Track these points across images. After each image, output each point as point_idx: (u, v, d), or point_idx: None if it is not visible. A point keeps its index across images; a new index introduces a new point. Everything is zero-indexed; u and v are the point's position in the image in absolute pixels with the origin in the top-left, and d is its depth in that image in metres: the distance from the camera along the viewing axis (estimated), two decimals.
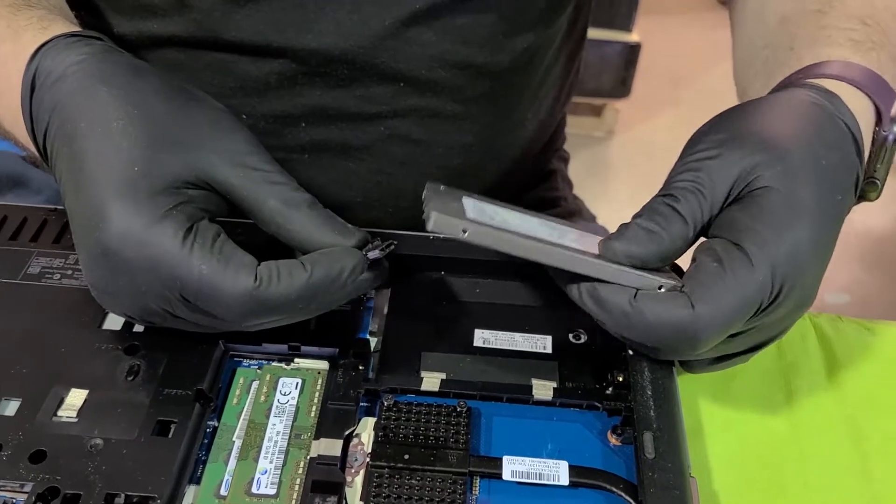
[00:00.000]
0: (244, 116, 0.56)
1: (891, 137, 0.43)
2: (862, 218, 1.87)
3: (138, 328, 0.44)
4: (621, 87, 1.92)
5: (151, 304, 0.38)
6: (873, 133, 0.43)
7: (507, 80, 0.58)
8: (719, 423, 0.44)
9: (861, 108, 0.42)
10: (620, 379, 0.42)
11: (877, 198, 0.44)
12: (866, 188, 0.44)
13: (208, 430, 0.41)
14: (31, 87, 0.41)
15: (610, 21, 1.83)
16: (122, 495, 0.37)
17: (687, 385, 0.44)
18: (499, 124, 0.60)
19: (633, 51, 1.86)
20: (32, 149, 0.43)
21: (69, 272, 0.46)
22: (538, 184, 0.72)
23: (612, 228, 0.40)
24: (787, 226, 0.37)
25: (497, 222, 0.38)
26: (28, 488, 0.37)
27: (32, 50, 0.41)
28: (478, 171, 0.61)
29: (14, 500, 0.37)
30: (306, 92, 0.55)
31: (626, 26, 1.84)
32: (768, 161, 0.38)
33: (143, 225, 0.36)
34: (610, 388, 0.42)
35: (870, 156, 0.43)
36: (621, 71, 1.89)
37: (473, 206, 0.39)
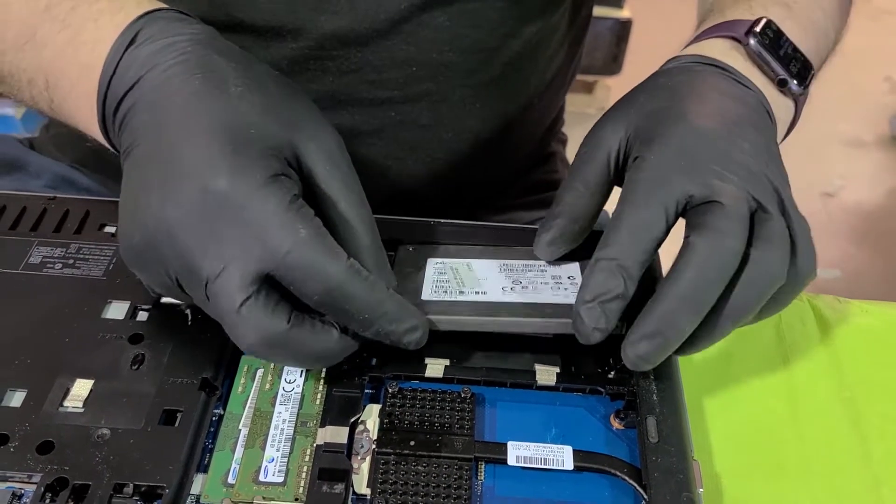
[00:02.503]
0: None
1: (752, 42, 0.47)
2: (851, 193, 1.88)
3: (141, 317, 0.44)
4: (612, 64, 1.92)
5: (236, 268, 0.36)
6: (745, 53, 0.47)
7: (516, 64, 0.58)
8: (720, 406, 0.44)
9: (716, 46, 0.48)
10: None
11: (803, 90, 0.48)
12: (782, 89, 0.48)
13: (214, 418, 0.41)
14: (130, 42, 0.40)
15: None
16: (131, 485, 0.37)
17: (688, 368, 0.45)
18: (507, 109, 0.61)
19: (624, 27, 1.86)
20: (84, 109, 0.42)
21: (70, 261, 0.46)
22: (538, 166, 0.73)
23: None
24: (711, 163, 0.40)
25: (452, 296, 0.43)
26: (36, 479, 0.37)
27: (138, 13, 0.41)
28: (484, 155, 0.62)
29: (23, 491, 0.37)
30: (318, 77, 0.55)
31: (618, 2, 1.84)
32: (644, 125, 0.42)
33: (256, 182, 0.36)
34: (612, 373, 0.42)
35: (760, 66, 0.47)
36: (612, 48, 1.89)
37: (433, 274, 0.44)
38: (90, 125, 0.43)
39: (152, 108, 0.39)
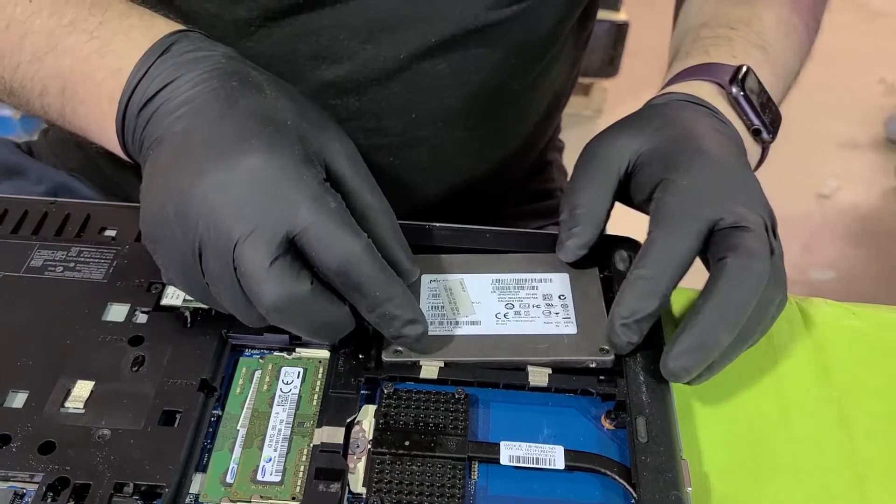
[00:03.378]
0: None
1: (734, 91, 0.50)
2: (846, 194, 1.89)
3: (141, 319, 0.44)
4: (609, 67, 1.93)
5: (269, 227, 0.37)
6: (728, 99, 0.50)
7: (515, 101, 0.59)
8: (710, 407, 0.45)
9: (704, 88, 0.51)
10: (612, 365, 0.43)
11: (771, 139, 0.51)
12: (755, 137, 0.51)
13: (213, 419, 0.41)
14: (163, 52, 0.42)
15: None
16: (131, 484, 0.37)
17: None
18: (505, 142, 0.61)
19: (620, 30, 1.86)
20: (101, 111, 0.44)
21: (71, 265, 0.47)
22: (534, 175, 0.73)
23: None
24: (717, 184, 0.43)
25: (448, 327, 0.44)
26: (38, 479, 0.38)
27: (171, 30, 0.43)
28: (481, 184, 0.63)
29: (24, 491, 0.38)
30: None
31: (614, 5, 1.85)
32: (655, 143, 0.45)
33: (291, 159, 0.39)
34: (603, 374, 0.43)
35: (739, 114, 0.50)
36: (609, 50, 1.90)
37: (428, 297, 0.46)
38: (104, 127, 0.44)
39: (188, 102, 0.41)
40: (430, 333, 0.43)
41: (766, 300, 0.41)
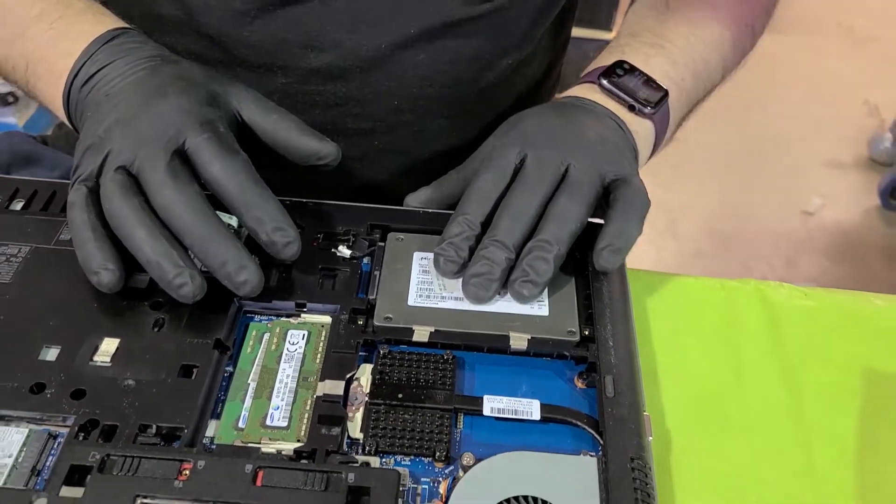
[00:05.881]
0: None
1: (604, 82, 0.58)
2: (830, 212, 1.94)
3: None
4: None
5: (161, 144, 0.46)
6: (602, 90, 0.58)
7: (492, 93, 0.64)
8: (673, 373, 0.50)
9: (578, 88, 0.59)
10: (587, 332, 0.48)
11: (652, 110, 0.58)
12: (634, 112, 0.58)
13: (226, 374, 0.46)
14: (105, 41, 0.52)
15: (591, 20, 1.89)
16: (154, 426, 0.42)
17: (645, 339, 0.50)
18: (484, 131, 0.66)
19: None
20: (53, 86, 0.53)
21: None
22: None
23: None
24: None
25: (434, 301, 0.49)
26: (70, 421, 0.42)
27: (114, 26, 0.53)
28: None
29: (58, 433, 0.42)
30: (307, 110, 0.60)
31: (607, 25, 1.91)
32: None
33: (198, 100, 0.48)
34: (577, 340, 0.48)
35: (613, 98, 0.58)
36: None
37: (418, 272, 0.50)
38: (55, 99, 0.53)
39: (122, 76, 0.50)
40: (418, 305, 0.48)
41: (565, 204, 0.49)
